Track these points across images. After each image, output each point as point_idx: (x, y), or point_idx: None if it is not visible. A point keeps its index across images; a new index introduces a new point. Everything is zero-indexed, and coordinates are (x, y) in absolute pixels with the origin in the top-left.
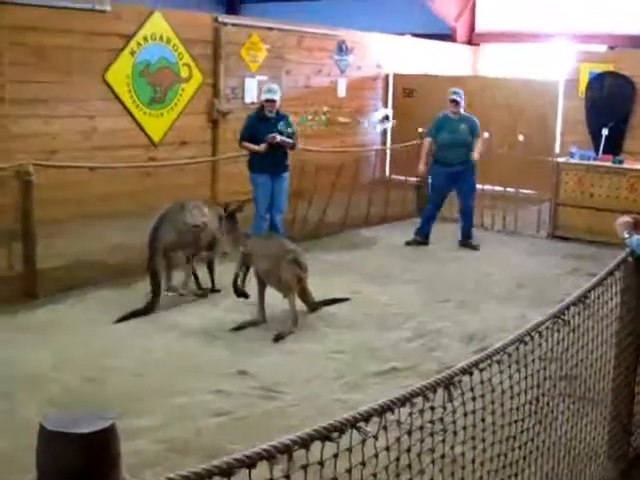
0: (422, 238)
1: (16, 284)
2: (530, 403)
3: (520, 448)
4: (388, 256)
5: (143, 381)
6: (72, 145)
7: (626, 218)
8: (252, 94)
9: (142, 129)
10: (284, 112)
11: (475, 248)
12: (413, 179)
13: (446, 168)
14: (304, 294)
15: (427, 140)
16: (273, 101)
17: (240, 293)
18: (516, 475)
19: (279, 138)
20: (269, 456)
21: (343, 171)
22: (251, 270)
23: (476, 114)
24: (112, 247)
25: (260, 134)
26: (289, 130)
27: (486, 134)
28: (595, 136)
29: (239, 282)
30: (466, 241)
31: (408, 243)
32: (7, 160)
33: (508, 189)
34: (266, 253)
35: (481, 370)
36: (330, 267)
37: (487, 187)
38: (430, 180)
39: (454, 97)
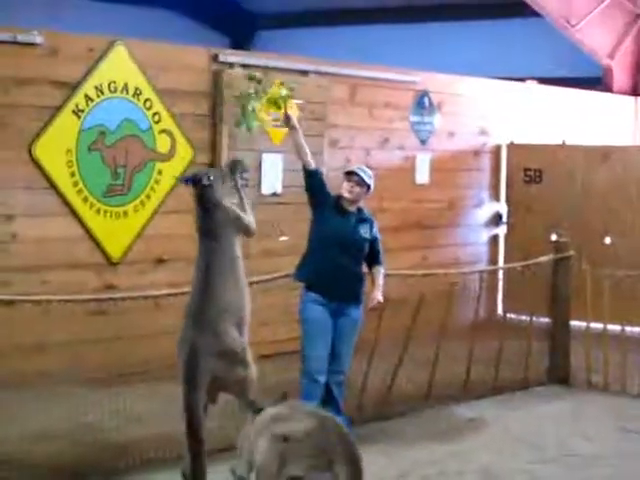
0: None
1: None
2: None
3: None
4: (501, 450)
5: None
6: None
7: None
8: (274, 179)
9: (92, 237)
10: (367, 211)
11: None
12: (544, 319)
13: None
14: None
15: None
16: (360, 182)
17: None
18: None
19: (379, 297)
20: None
21: (425, 307)
22: None
23: None
24: (40, 434)
25: (332, 234)
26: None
27: None
28: None
29: None
30: None
31: None
32: None
33: None
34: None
35: None
36: (405, 468)
37: None
38: None
39: None
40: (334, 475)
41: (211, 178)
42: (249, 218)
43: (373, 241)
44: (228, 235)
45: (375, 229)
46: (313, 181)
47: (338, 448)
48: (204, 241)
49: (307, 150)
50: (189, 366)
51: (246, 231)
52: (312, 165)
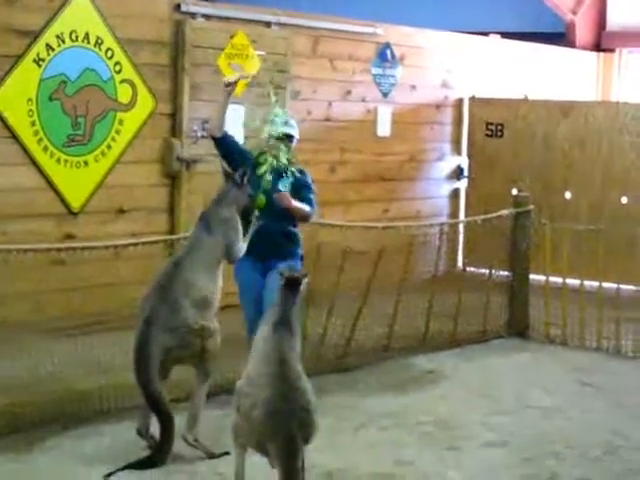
0: None
1: None
2: None
3: None
4: (459, 401)
5: None
6: None
7: None
8: (235, 130)
9: (53, 187)
10: (297, 164)
11: None
12: (504, 273)
13: None
14: None
15: None
16: (290, 138)
17: None
18: None
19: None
20: None
21: (385, 260)
22: None
23: (606, 164)
24: None
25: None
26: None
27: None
28: None
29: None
30: None
31: None
32: None
33: None
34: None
35: None
36: (363, 419)
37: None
38: None
39: None
40: (266, 453)
41: (244, 181)
42: (241, 242)
43: (301, 189)
44: (221, 235)
45: (306, 179)
46: (225, 146)
47: (266, 428)
48: (199, 228)
49: (225, 117)
50: (142, 338)
51: (230, 248)
52: (219, 132)
